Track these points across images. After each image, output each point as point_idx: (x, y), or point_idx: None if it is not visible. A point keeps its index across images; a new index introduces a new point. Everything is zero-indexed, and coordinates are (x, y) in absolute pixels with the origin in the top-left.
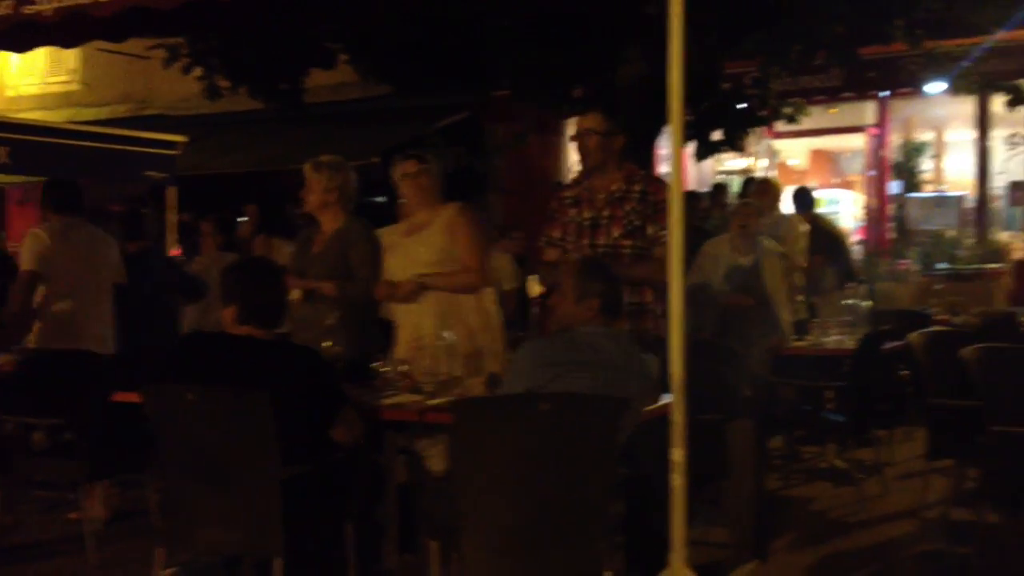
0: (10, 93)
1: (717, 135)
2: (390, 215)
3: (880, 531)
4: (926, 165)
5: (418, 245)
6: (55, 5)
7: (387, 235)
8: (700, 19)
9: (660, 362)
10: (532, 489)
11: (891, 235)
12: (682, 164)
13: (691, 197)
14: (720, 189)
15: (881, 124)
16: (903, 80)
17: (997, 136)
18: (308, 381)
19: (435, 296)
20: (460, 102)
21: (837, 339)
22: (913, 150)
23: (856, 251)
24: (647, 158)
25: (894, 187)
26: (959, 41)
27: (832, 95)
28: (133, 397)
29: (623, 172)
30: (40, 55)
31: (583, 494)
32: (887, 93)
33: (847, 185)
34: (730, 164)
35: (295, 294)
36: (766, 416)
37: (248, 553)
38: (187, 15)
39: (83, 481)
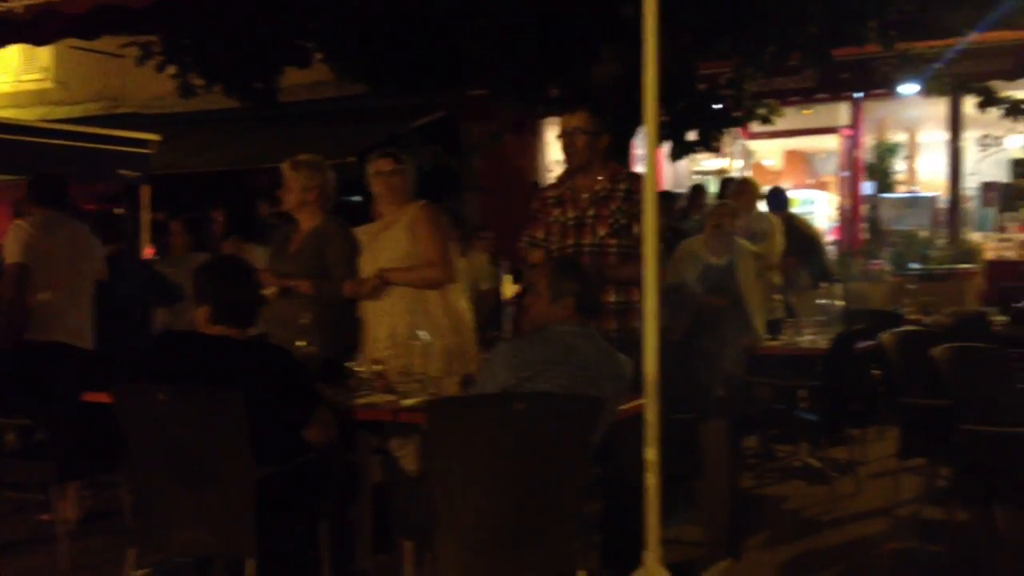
0: None
1: (692, 135)
2: (366, 214)
3: (853, 529)
4: (899, 166)
5: (384, 243)
6: (26, 2)
7: (361, 234)
8: (675, 19)
9: (634, 362)
10: (506, 489)
11: (864, 235)
12: (657, 164)
13: (667, 197)
14: (699, 190)
15: (855, 125)
16: (876, 82)
17: (969, 137)
18: (281, 381)
19: (402, 294)
20: (436, 101)
21: (811, 339)
22: (886, 151)
23: (830, 251)
24: (623, 158)
25: (867, 188)
26: (932, 43)
27: (806, 96)
28: (105, 397)
29: (608, 171)
30: (12, 53)
31: (557, 494)
32: (860, 94)
33: (821, 186)
34: (705, 164)
35: (270, 291)
36: (740, 415)
37: (221, 553)
38: (159, 13)
39: (54, 482)
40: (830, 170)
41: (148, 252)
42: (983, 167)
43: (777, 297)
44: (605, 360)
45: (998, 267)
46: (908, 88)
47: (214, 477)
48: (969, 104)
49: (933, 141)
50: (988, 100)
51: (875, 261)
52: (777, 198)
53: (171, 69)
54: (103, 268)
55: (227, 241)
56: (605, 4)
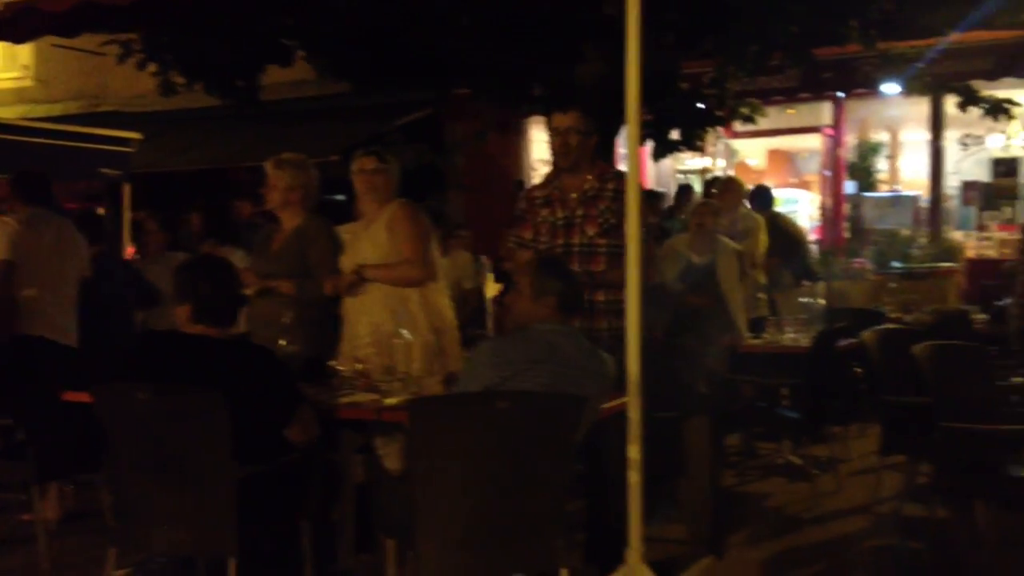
0: None
1: (675, 134)
2: (349, 213)
3: (834, 526)
4: (881, 165)
5: (364, 242)
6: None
7: (343, 232)
8: (658, 19)
9: (616, 360)
10: (489, 487)
11: (846, 234)
12: (640, 163)
13: (653, 196)
14: (686, 189)
15: (837, 125)
16: (858, 81)
17: (950, 137)
18: (263, 380)
19: (381, 292)
20: (420, 100)
21: (793, 337)
22: (868, 150)
23: (812, 250)
24: (608, 157)
25: (849, 187)
26: (913, 43)
27: (789, 96)
28: (86, 397)
29: (596, 170)
30: None
31: (540, 492)
32: (843, 94)
33: (804, 185)
34: (689, 164)
35: (251, 291)
36: (723, 413)
37: (202, 553)
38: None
39: (34, 482)
40: (813, 169)
41: (129, 251)
42: (964, 166)
43: (761, 296)
44: (588, 358)
45: (979, 265)
46: (890, 88)
47: (195, 477)
48: (950, 104)
49: (915, 140)
50: (969, 100)
51: (857, 260)
52: (762, 196)
53: (152, 67)
54: (87, 264)
55: (203, 244)
56: (589, 3)
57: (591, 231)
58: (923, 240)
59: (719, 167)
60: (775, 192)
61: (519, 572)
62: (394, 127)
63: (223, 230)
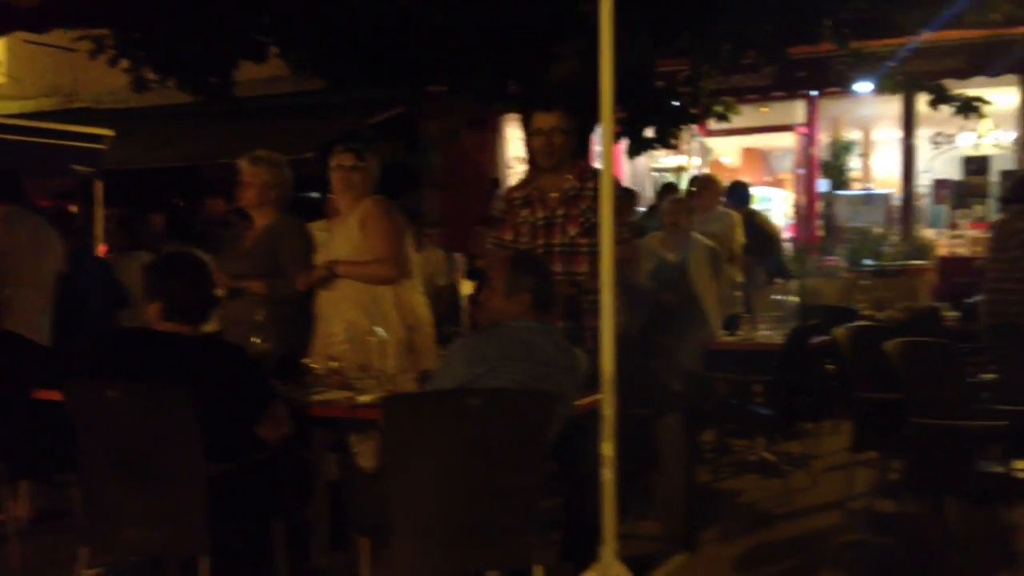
0: None
1: (649, 132)
2: (322, 211)
3: (807, 522)
4: (854, 163)
5: (338, 238)
6: None
7: (316, 229)
8: (632, 17)
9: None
10: (462, 484)
11: (819, 232)
12: (614, 161)
13: (630, 195)
14: (669, 188)
15: (810, 123)
16: (832, 80)
17: (922, 135)
18: (234, 377)
19: (354, 289)
20: (394, 97)
21: (766, 334)
22: (841, 149)
23: (786, 248)
24: (583, 155)
25: (823, 185)
26: (885, 41)
27: (763, 94)
28: (56, 395)
29: (576, 170)
30: None
31: (514, 489)
32: (816, 93)
33: (778, 183)
34: (664, 161)
35: (221, 291)
36: (697, 410)
37: (174, 552)
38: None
39: (5, 481)
40: (786, 167)
41: (102, 249)
42: (936, 165)
43: (737, 293)
44: (562, 355)
45: (950, 263)
46: (862, 86)
47: (166, 475)
48: (922, 102)
49: (887, 139)
50: (940, 98)
51: (830, 257)
52: (738, 193)
53: (124, 63)
54: (62, 261)
55: (166, 245)
56: (563, 1)
57: (572, 231)
58: (895, 238)
59: (694, 165)
60: (749, 190)
61: (494, 569)
62: (368, 124)
63: (187, 231)
